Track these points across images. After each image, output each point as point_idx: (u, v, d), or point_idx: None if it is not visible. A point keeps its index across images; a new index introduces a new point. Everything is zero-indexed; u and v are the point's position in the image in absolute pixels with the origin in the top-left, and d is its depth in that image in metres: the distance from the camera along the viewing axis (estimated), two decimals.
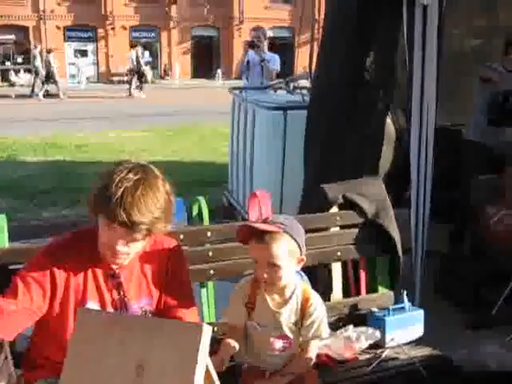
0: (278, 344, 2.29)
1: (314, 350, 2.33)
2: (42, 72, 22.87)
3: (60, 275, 2.04)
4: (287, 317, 2.29)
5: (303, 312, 2.30)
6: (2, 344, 1.96)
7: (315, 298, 2.35)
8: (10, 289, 2.02)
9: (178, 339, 1.09)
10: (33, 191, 7.79)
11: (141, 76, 24.20)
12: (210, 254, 2.68)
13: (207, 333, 1.10)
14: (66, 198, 7.32)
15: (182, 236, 2.61)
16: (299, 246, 2.23)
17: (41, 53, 24.44)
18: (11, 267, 2.28)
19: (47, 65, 22.84)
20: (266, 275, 2.21)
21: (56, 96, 22.69)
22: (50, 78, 22.89)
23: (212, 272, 2.69)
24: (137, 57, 23.96)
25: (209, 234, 2.68)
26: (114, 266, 2.10)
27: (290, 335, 2.29)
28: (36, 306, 2.00)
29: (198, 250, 2.69)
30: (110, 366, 1.10)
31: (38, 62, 23.49)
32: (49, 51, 23.78)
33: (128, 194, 1.90)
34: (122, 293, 2.12)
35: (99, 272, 2.10)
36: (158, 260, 2.19)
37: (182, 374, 1.08)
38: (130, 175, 1.94)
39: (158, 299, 2.20)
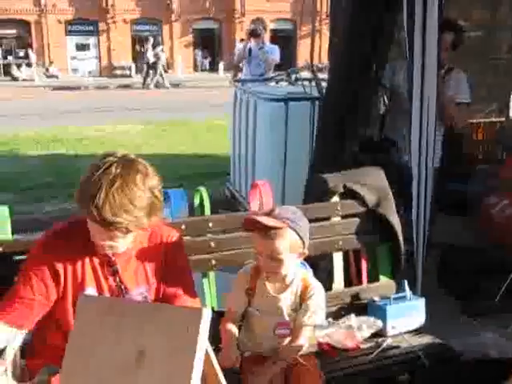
0: (279, 330, 2.31)
1: (305, 337, 2.32)
2: (162, 62, 25.15)
3: (58, 265, 2.07)
4: (286, 303, 2.31)
5: (302, 299, 2.32)
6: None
7: (315, 286, 2.36)
8: (14, 290, 2.06)
9: (178, 324, 1.10)
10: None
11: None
12: (212, 244, 2.69)
13: (206, 317, 1.11)
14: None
15: (183, 226, 2.62)
16: (303, 241, 2.25)
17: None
18: (15, 258, 2.31)
19: (156, 57, 24.73)
20: (267, 268, 2.25)
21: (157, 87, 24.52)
22: (154, 68, 24.90)
23: (214, 262, 2.70)
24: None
25: (211, 224, 2.69)
26: (110, 254, 2.11)
27: (290, 321, 2.31)
28: (43, 303, 2.06)
29: (200, 240, 2.69)
30: (111, 352, 1.11)
31: (150, 55, 25.06)
32: (157, 44, 26.43)
33: (102, 192, 1.89)
34: (118, 280, 2.14)
35: (95, 259, 2.13)
36: (155, 249, 2.21)
37: (181, 358, 1.09)
38: (110, 170, 1.93)
39: (157, 288, 2.21)
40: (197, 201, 2.78)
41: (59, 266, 2.07)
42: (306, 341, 2.34)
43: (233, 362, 2.17)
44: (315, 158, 4.19)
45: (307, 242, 2.27)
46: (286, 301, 2.31)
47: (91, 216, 1.93)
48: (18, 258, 2.29)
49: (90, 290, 2.11)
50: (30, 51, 34.21)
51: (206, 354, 1.13)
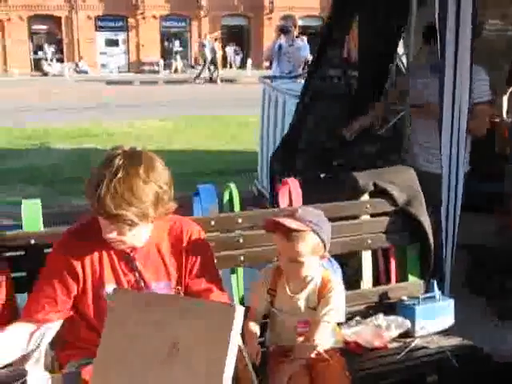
0: (299, 329, 2.31)
1: (322, 334, 2.28)
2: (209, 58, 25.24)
3: (77, 264, 2.11)
4: (305, 301, 2.31)
5: (320, 296, 2.30)
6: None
7: (334, 284, 2.34)
8: (37, 289, 2.13)
9: (211, 319, 1.11)
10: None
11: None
12: (241, 240, 2.70)
13: (240, 313, 1.12)
14: None
15: (212, 222, 2.64)
16: (324, 244, 2.24)
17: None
18: (46, 250, 2.35)
19: (212, 51, 25.12)
20: (287, 269, 2.26)
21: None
22: (214, 63, 25.29)
23: (242, 258, 2.72)
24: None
25: (239, 220, 2.70)
26: (128, 250, 2.13)
27: (310, 320, 2.30)
28: (64, 300, 2.13)
29: (229, 236, 2.71)
30: (145, 345, 1.13)
31: (208, 50, 25.36)
32: (215, 39, 27.19)
33: (104, 184, 1.90)
34: (137, 275, 2.15)
35: (114, 256, 2.14)
36: (175, 243, 2.20)
37: (214, 353, 1.10)
38: (114, 162, 1.94)
39: (179, 283, 2.19)
40: (226, 197, 2.78)
41: (78, 265, 2.11)
42: (325, 337, 2.30)
43: (253, 358, 2.16)
44: None
45: (328, 245, 2.26)
46: (305, 299, 2.31)
47: (95, 209, 1.94)
48: (48, 250, 2.32)
49: (110, 286, 2.12)
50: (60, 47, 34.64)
51: (239, 349, 1.14)
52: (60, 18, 35.51)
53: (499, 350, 2.79)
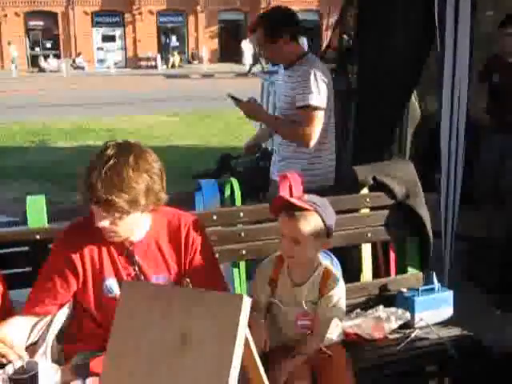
0: (300, 321, 2.33)
1: (325, 330, 2.32)
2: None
3: (76, 259, 2.15)
4: (307, 295, 2.32)
5: (322, 291, 2.32)
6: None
7: (336, 280, 2.35)
8: (38, 284, 2.18)
9: (219, 310, 1.14)
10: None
11: None
12: (242, 234, 2.73)
13: (247, 304, 1.15)
14: None
15: (215, 217, 2.67)
16: (327, 228, 2.24)
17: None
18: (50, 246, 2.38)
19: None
20: (288, 251, 2.25)
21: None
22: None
23: (244, 252, 2.74)
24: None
25: (241, 214, 2.74)
26: (127, 244, 2.17)
27: (312, 313, 2.32)
28: (64, 294, 2.18)
29: (231, 230, 2.74)
30: (155, 336, 1.16)
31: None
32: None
33: (96, 171, 1.95)
34: (137, 269, 2.19)
35: (113, 250, 2.18)
36: (174, 236, 2.23)
37: (222, 343, 1.13)
38: (106, 152, 2.00)
39: (178, 275, 2.22)
40: (227, 191, 2.82)
41: (77, 260, 2.15)
42: (326, 334, 2.33)
43: (261, 347, 2.19)
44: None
45: (331, 232, 2.27)
46: (306, 293, 2.33)
47: (87, 197, 1.99)
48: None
49: (110, 280, 2.18)
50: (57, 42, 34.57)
51: (246, 338, 1.17)
52: (56, 13, 35.46)
53: (499, 341, 2.82)
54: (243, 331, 1.14)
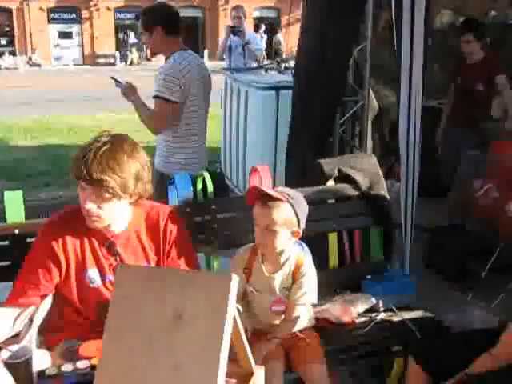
0: (274, 307, 2.45)
1: (298, 316, 2.45)
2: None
3: (59, 251, 2.22)
4: (280, 282, 2.44)
5: (294, 278, 2.44)
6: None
7: (307, 267, 2.48)
8: (21, 276, 2.24)
9: (211, 289, 1.24)
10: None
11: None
12: (215, 225, 2.84)
13: (235, 282, 1.26)
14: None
15: (188, 209, 2.77)
16: (298, 218, 2.35)
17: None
18: (27, 240, 2.45)
19: (276, 44, 24.85)
20: (261, 239, 2.36)
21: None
22: (277, 55, 25.19)
23: (217, 243, 2.85)
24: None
25: (214, 206, 2.84)
26: (109, 236, 2.26)
27: (285, 299, 2.45)
28: (47, 286, 2.24)
29: (203, 222, 2.84)
30: (151, 314, 1.26)
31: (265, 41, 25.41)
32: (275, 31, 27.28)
33: (91, 154, 2.05)
34: (118, 259, 2.28)
35: (95, 241, 2.27)
36: (153, 228, 2.33)
37: (214, 320, 1.23)
38: (100, 139, 2.10)
39: (157, 265, 2.31)
40: (200, 185, 2.91)
41: (60, 251, 2.22)
42: (299, 319, 2.45)
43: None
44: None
45: (303, 223, 2.38)
46: (280, 280, 2.44)
47: (79, 174, 2.06)
48: (30, 239, 2.42)
49: (92, 271, 2.26)
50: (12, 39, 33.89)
51: (234, 317, 1.28)
52: (11, 9, 34.75)
53: (457, 321, 2.98)
54: (233, 307, 1.25)
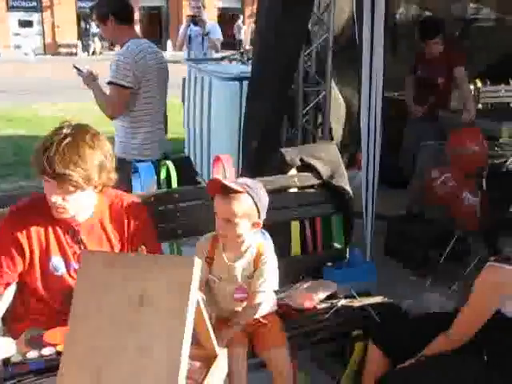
0: (236, 295, 2.49)
1: (259, 302, 2.49)
2: None
3: (23, 239, 2.23)
4: (241, 270, 2.48)
5: (255, 265, 2.49)
6: None
7: (268, 255, 2.52)
8: None
9: (173, 271, 1.28)
10: None
11: None
12: (178, 214, 2.86)
13: (198, 265, 1.29)
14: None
15: (152, 198, 2.79)
16: (258, 210, 2.39)
17: None
18: None
19: (237, 29, 26.63)
20: (221, 230, 2.39)
21: None
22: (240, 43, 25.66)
23: (180, 232, 2.88)
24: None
25: (177, 195, 2.87)
26: (74, 224, 2.27)
27: (247, 287, 2.49)
28: (11, 275, 2.25)
29: (167, 211, 2.86)
30: (115, 297, 1.29)
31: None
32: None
33: (53, 147, 2.06)
34: (82, 247, 2.30)
35: (59, 230, 2.28)
36: (117, 216, 2.36)
37: (177, 301, 1.27)
38: (62, 131, 2.12)
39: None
40: (163, 174, 2.93)
41: (24, 240, 2.23)
42: (261, 305, 2.49)
43: None
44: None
45: (263, 214, 2.42)
46: (241, 268, 2.48)
47: (42, 169, 2.07)
48: None
49: (56, 259, 2.28)
50: None
51: (197, 300, 1.32)
52: None
53: (415, 306, 3.07)
54: (196, 289, 1.29)
